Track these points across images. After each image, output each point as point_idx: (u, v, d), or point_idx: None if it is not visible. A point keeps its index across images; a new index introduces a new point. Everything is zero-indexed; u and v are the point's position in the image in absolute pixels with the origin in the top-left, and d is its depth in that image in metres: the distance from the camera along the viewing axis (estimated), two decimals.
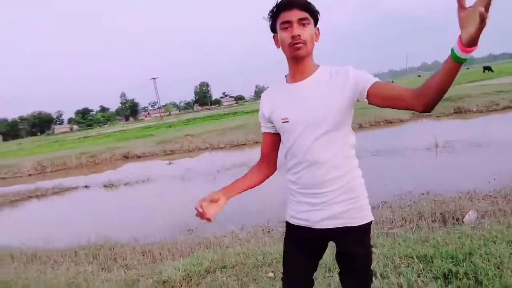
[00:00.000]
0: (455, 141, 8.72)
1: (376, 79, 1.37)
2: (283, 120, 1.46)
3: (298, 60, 1.43)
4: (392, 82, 54.09)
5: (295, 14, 1.37)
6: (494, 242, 2.68)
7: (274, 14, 1.43)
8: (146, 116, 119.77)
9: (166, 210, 7.03)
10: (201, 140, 16.33)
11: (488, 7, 0.95)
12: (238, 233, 4.80)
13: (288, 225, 1.60)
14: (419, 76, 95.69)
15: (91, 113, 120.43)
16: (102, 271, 3.97)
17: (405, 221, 4.01)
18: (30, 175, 16.11)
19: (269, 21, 1.47)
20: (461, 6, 1.02)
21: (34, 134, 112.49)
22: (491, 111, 13.66)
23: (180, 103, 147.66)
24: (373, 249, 2.95)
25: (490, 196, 4.60)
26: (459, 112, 14.34)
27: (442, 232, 3.23)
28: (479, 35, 1.01)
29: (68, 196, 10.13)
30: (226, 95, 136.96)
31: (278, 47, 1.48)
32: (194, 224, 5.74)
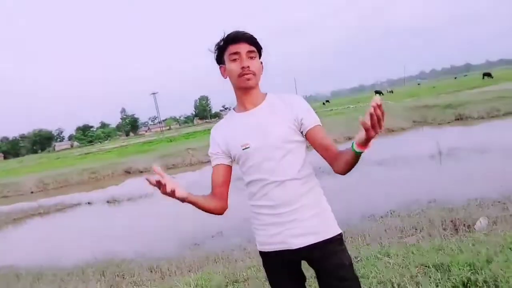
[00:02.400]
0: (458, 148, 8.69)
1: (318, 123, 1.49)
2: (244, 147, 1.48)
3: (247, 91, 1.50)
4: (391, 92, 53.82)
5: (243, 47, 1.46)
6: (510, 249, 2.64)
7: (222, 47, 1.49)
8: (146, 131, 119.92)
9: (171, 225, 6.98)
10: (202, 153, 16.30)
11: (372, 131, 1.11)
12: (245, 246, 4.75)
13: (263, 254, 1.57)
14: (418, 84, 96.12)
15: (91, 129, 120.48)
16: None
17: (416, 229, 3.97)
18: (32, 192, 16.07)
19: (215, 53, 1.53)
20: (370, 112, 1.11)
21: (35, 152, 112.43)
22: (492, 117, 13.65)
23: (180, 117, 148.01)
24: (387, 259, 2.90)
25: (499, 202, 4.56)
26: (460, 119, 14.34)
27: (455, 240, 3.19)
28: (367, 142, 1.17)
29: (71, 213, 10.08)
30: (226, 108, 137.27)
31: (225, 78, 1.53)
32: (201, 239, 5.70)
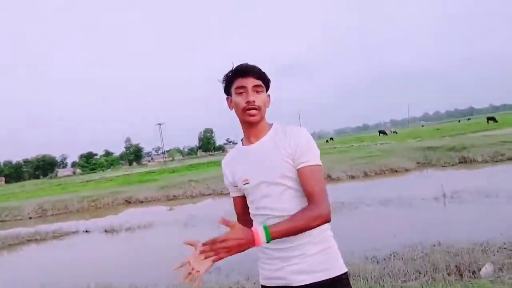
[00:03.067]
0: (462, 191, 8.59)
1: (313, 163, 1.42)
2: (244, 182, 1.49)
3: (252, 124, 1.49)
4: (395, 132, 53.95)
5: (250, 81, 1.46)
6: None
7: (230, 79, 1.51)
8: (149, 161, 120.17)
9: (168, 257, 6.83)
10: (204, 185, 16.22)
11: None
12: (243, 284, 4.62)
13: None
14: (422, 126, 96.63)
15: (95, 157, 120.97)
16: None
17: (419, 273, 3.85)
18: (30, 218, 15.90)
19: (223, 84, 1.55)
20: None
21: (37, 177, 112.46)
22: (496, 161, 13.56)
23: (183, 148, 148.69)
24: None
25: (505, 248, 4.44)
26: (464, 162, 14.25)
27: (460, 286, 3.10)
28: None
29: (68, 241, 9.91)
30: (230, 142, 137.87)
31: (231, 109, 1.54)
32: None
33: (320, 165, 1.45)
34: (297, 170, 1.43)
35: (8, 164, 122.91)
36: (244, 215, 1.61)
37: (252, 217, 1.55)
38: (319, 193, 1.38)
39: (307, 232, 1.41)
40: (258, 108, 1.45)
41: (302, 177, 1.42)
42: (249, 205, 1.55)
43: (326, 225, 1.50)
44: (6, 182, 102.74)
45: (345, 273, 1.46)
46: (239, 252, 1.22)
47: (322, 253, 1.43)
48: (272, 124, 1.55)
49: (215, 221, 9.31)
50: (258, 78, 1.47)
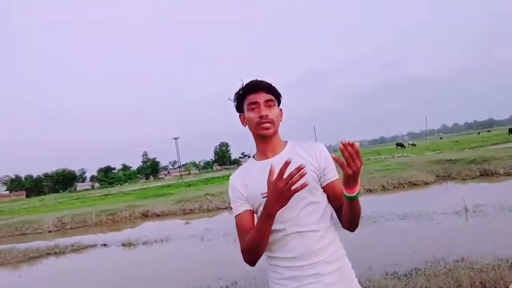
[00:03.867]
0: (485, 205, 8.35)
1: (338, 175, 1.49)
2: (264, 195, 1.42)
3: (266, 139, 1.50)
4: (414, 145, 52.72)
5: (261, 96, 1.47)
6: None
7: (241, 96, 1.52)
8: (166, 175, 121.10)
9: (184, 272, 6.81)
10: (220, 199, 16.20)
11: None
12: None
13: None
14: (440, 138, 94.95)
15: (113, 171, 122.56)
16: None
17: None
18: (50, 231, 16.13)
19: (235, 102, 1.55)
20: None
21: (57, 191, 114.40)
22: None
23: (199, 162, 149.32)
24: None
25: None
26: (485, 174, 13.88)
27: None
28: (350, 183, 1.28)
29: (87, 254, 9.99)
30: (245, 155, 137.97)
31: (245, 126, 1.55)
32: None
33: None
34: (329, 183, 1.47)
35: (29, 178, 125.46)
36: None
37: None
38: None
39: (320, 251, 1.40)
40: (271, 122, 1.46)
41: (337, 187, 1.47)
42: None
43: (340, 244, 1.48)
44: (27, 196, 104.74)
45: None
46: (352, 181, 1.28)
47: (336, 272, 1.40)
48: (287, 141, 1.56)
49: (231, 235, 9.26)
50: (269, 93, 1.49)
